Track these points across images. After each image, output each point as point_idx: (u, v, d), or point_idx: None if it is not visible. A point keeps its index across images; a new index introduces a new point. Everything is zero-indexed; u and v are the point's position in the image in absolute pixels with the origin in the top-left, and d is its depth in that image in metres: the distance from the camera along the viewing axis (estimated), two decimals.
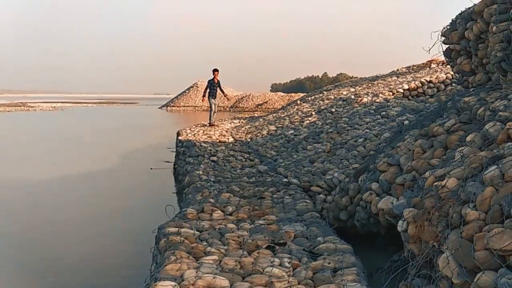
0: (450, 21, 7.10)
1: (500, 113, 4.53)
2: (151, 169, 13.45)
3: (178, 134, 15.42)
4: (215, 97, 17.43)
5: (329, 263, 3.97)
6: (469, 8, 6.57)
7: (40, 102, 77.63)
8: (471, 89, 6.62)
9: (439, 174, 4.11)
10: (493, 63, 5.90)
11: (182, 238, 4.54)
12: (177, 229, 4.88)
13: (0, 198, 10.39)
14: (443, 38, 7.20)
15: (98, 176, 12.93)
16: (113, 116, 48.25)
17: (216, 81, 17.25)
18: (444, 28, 7.19)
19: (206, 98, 17.47)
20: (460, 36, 6.77)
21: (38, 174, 13.23)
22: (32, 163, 15.49)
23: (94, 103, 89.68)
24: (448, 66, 11.15)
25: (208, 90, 17.34)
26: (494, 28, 5.79)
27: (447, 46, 7.23)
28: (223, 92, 17.90)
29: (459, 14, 6.85)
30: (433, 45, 7.09)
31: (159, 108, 64.57)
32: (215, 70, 17.27)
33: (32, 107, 60.21)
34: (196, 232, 4.93)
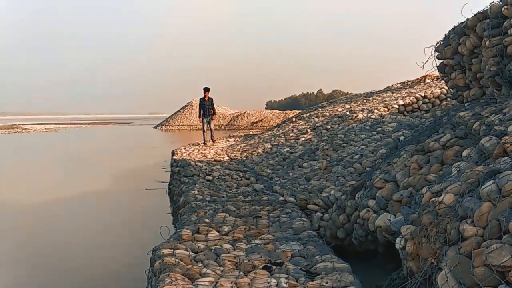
0: (443, 36, 7.13)
1: (496, 127, 4.52)
2: (146, 189, 13.37)
3: (173, 153, 15.37)
4: (209, 116, 17.06)
5: (327, 282, 3.91)
6: (461, 23, 6.61)
7: (34, 124, 77.57)
8: (466, 104, 6.63)
9: (436, 190, 4.08)
10: (487, 77, 5.91)
11: (177, 260, 4.47)
12: (172, 250, 4.81)
13: None
14: (437, 53, 7.23)
15: (91, 198, 12.84)
16: (107, 136, 48.24)
17: (207, 99, 16.95)
18: (438, 43, 7.22)
19: (202, 118, 17.16)
20: (453, 51, 6.80)
21: (31, 196, 13.15)
22: (25, 185, 15.43)
23: (88, 123, 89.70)
24: (443, 81, 11.21)
25: (201, 110, 17.11)
26: (487, 42, 5.82)
27: (441, 61, 7.26)
28: (213, 110, 17.27)
29: (452, 29, 6.89)
30: (427, 60, 7.13)
31: (154, 127, 64.60)
32: (205, 90, 16.94)
33: (25, 129, 60.19)
34: (191, 253, 4.86)
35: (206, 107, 16.99)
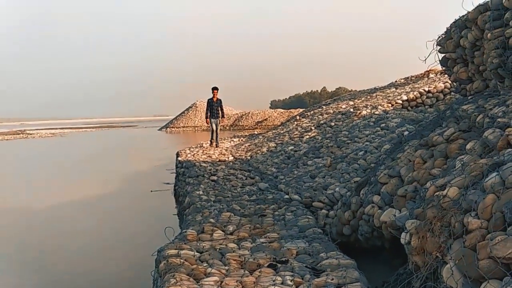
0: (445, 30, 7.09)
1: (499, 119, 4.49)
2: (152, 191, 13.37)
3: (178, 155, 15.35)
4: (217, 117, 16.19)
5: (332, 279, 3.89)
6: (463, 16, 6.57)
7: (39, 129, 77.72)
8: (469, 97, 6.59)
9: (440, 184, 4.05)
10: (490, 69, 5.87)
11: (182, 260, 4.47)
12: (176, 251, 4.80)
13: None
14: (439, 47, 7.19)
15: (98, 202, 12.88)
16: (112, 140, 48.31)
17: (215, 100, 16.10)
18: (439, 37, 7.18)
19: (209, 119, 16.27)
20: (455, 44, 6.75)
21: (39, 200, 13.23)
22: (34, 191, 15.49)
23: (93, 127, 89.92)
24: (446, 76, 11.16)
25: (209, 111, 16.24)
26: (489, 34, 5.78)
27: (443, 55, 7.21)
28: (222, 112, 16.44)
29: (453, 22, 6.85)
30: (429, 55, 7.08)
31: (158, 130, 64.65)
32: (214, 89, 16.09)
33: (31, 134, 60.31)
34: (196, 253, 4.85)
35: (214, 107, 16.14)
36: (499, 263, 2.61)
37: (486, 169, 3.51)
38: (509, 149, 3.74)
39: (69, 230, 9.74)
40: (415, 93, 14.76)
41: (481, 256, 2.76)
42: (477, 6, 6.15)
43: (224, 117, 16.88)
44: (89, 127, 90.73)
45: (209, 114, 16.30)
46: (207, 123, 16.64)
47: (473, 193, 3.31)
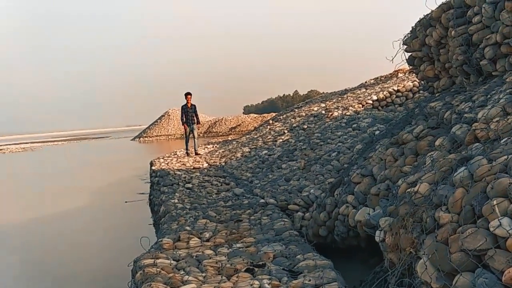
0: (410, 29, 7.21)
1: (466, 115, 4.58)
2: (126, 202, 13.23)
3: (152, 164, 15.24)
4: (192, 123, 16.02)
5: (310, 280, 3.91)
6: (427, 14, 6.69)
7: (9, 144, 76.27)
8: (436, 94, 6.71)
9: (411, 181, 4.11)
10: (455, 66, 5.99)
11: (158, 269, 4.43)
12: (153, 260, 4.76)
13: None
14: (405, 46, 7.30)
15: (71, 215, 12.65)
16: (83, 152, 47.66)
17: (189, 106, 15.95)
18: (405, 36, 7.29)
19: (186, 124, 16.06)
20: (421, 43, 6.87)
21: (10, 216, 12.96)
22: (3, 206, 15.18)
23: (65, 140, 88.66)
24: (414, 74, 11.35)
25: (184, 117, 16.06)
26: (453, 32, 5.90)
27: (409, 53, 7.33)
28: (197, 118, 16.30)
29: (418, 21, 6.97)
30: (396, 54, 7.18)
31: (131, 140, 64.02)
32: (187, 94, 15.96)
33: (1, 150, 59.16)
34: (172, 261, 4.82)
35: (189, 114, 15.96)
36: (471, 256, 2.66)
37: (455, 164, 3.57)
38: (477, 144, 3.82)
39: (41, 245, 9.57)
40: (384, 92, 14.95)
41: (453, 249, 2.80)
42: (440, 4, 6.28)
43: (199, 123, 16.75)
44: (60, 140, 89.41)
45: (184, 120, 16.12)
46: (185, 128, 16.37)
47: (443, 188, 3.37)
